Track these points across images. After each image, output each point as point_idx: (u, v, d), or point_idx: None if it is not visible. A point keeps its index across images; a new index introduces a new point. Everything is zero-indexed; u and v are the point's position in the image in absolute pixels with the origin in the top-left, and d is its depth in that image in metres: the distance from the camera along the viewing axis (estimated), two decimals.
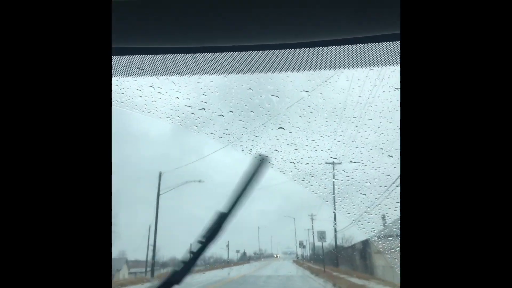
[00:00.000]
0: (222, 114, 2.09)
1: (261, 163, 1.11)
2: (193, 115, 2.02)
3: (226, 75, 1.86)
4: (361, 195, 1.98)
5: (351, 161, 2.09)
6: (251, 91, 2.02)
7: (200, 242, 1.03)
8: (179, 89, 1.89)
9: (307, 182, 2.02)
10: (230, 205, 1.06)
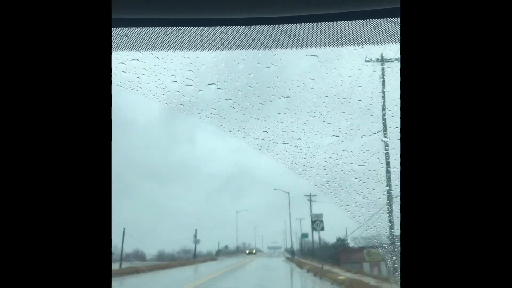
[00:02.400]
0: (210, 86, 2.02)
1: None
2: (178, 93, 1.95)
3: (213, 51, 1.78)
4: (353, 179, 1.95)
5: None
6: (240, 68, 1.95)
7: None
8: (164, 65, 1.81)
9: (295, 165, 1.98)
10: None
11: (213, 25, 1.33)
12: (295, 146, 2.02)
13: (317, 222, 24.63)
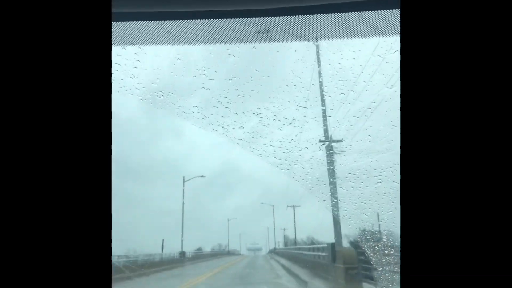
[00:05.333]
0: (186, 80, 1.94)
1: None
2: (155, 85, 1.86)
3: (192, 45, 1.70)
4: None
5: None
6: (217, 61, 1.88)
7: None
8: (138, 58, 1.72)
9: (278, 160, 1.94)
10: None
11: (194, 18, 1.26)
12: (277, 141, 1.98)
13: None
